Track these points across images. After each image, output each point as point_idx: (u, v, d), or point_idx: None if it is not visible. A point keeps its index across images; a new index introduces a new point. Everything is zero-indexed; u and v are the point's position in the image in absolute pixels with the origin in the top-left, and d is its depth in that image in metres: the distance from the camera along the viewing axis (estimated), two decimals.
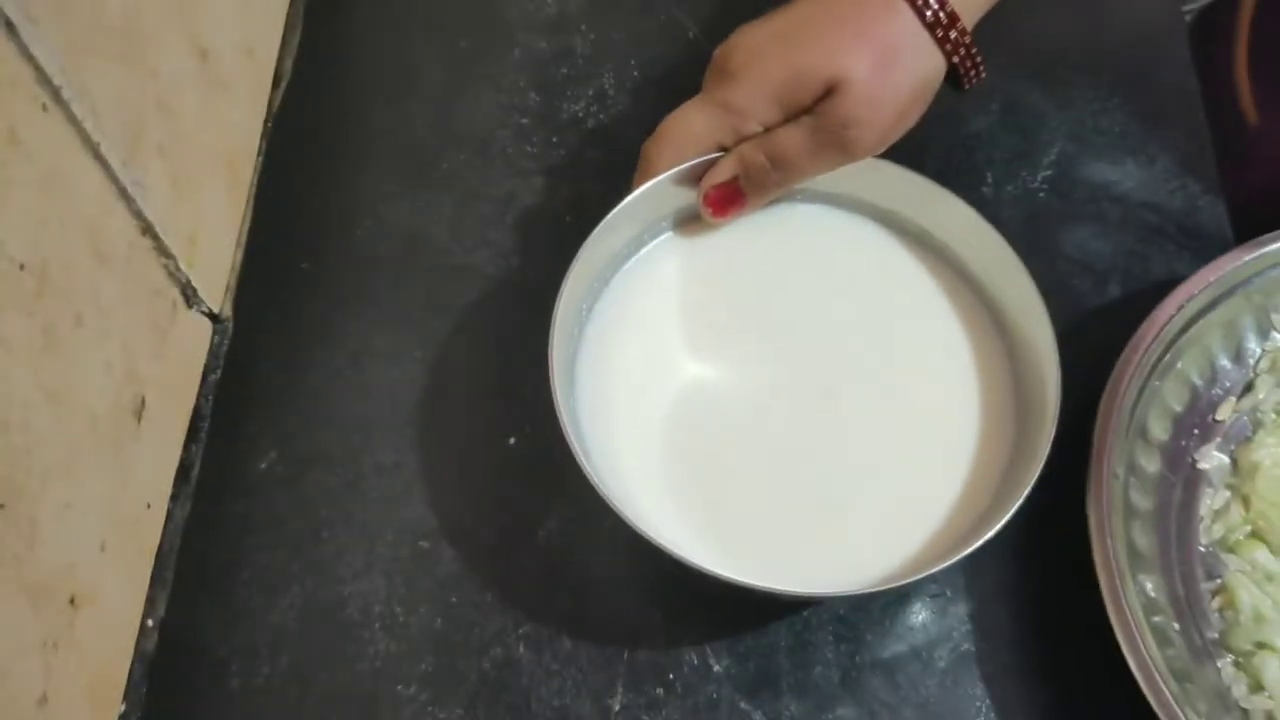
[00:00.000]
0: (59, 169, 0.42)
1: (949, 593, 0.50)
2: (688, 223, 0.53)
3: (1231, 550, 0.50)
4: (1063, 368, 0.46)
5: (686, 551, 0.44)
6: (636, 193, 0.50)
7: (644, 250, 0.53)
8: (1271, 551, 0.49)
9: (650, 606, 0.49)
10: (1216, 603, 0.49)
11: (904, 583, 0.43)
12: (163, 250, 0.50)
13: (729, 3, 0.65)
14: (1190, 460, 0.51)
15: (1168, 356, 0.51)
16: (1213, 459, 0.52)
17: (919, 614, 0.49)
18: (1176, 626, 0.47)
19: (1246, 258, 0.52)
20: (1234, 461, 0.52)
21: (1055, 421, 0.45)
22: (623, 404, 0.50)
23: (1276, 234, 0.52)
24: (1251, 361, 0.54)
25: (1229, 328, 0.53)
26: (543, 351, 0.47)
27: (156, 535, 0.50)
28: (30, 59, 0.40)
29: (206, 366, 0.54)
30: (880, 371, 0.50)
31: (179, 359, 0.52)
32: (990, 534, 0.43)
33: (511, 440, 0.53)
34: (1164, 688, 0.43)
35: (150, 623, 0.49)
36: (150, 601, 0.49)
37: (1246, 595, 0.47)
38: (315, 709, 0.47)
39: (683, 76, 0.63)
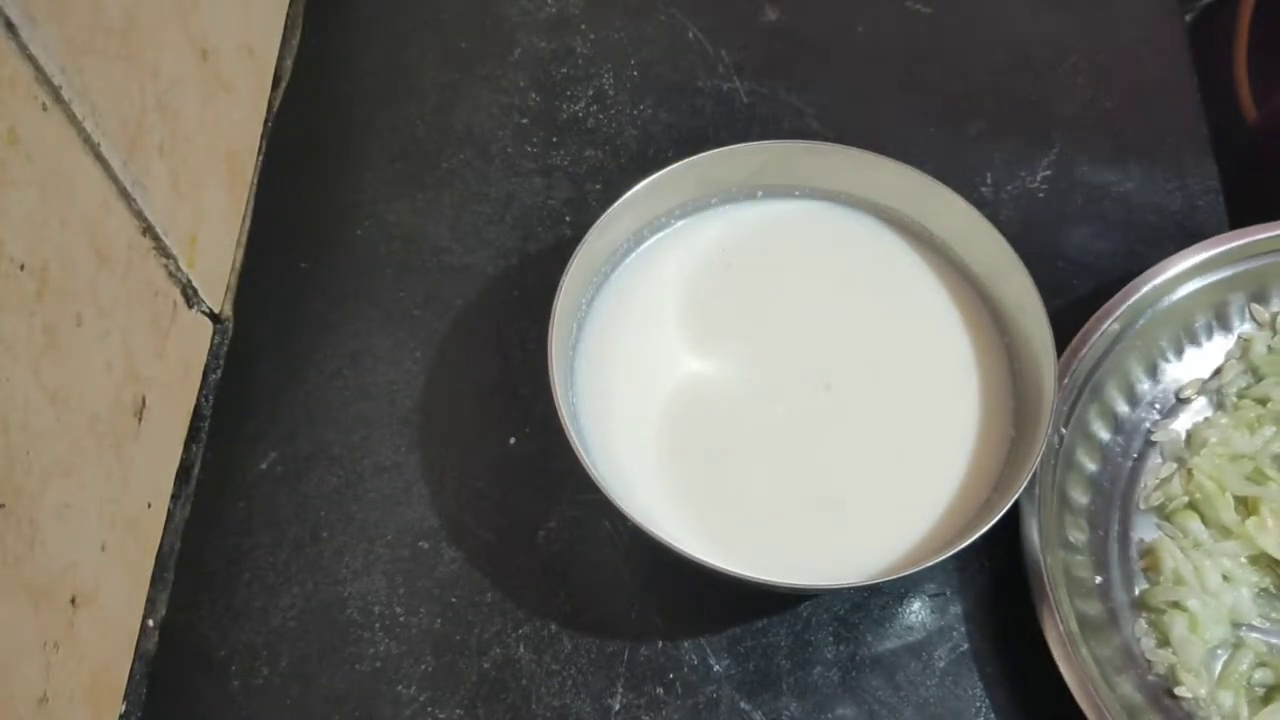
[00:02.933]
0: (59, 169, 0.42)
1: (948, 592, 0.50)
2: (686, 219, 0.54)
3: (1167, 518, 0.51)
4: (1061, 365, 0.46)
5: (686, 546, 0.44)
6: (634, 190, 0.50)
7: (642, 247, 0.53)
8: (1204, 523, 0.50)
9: (650, 606, 0.49)
10: (1142, 563, 0.50)
11: (902, 575, 0.43)
12: (163, 250, 0.50)
13: (729, 3, 0.65)
14: (1146, 431, 0.53)
15: (1140, 324, 0.52)
16: (1169, 434, 0.52)
17: (918, 613, 0.49)
18: (1098, 579, 0.49)
19: (1239, 242, 0.52)
20: (1188, 438, 0.52)
21: (1052, 418, 0.45)
22: (622, 400, 0.50)
23: (1273, 224, 0.53)
24: (1226, 345, 0.55)
25: (1209, 310, 0.54)
26: (543, 351, 0.47)
27: (157, 535, 0.50)
28: (30, 59, 0.40)
29: (207, 366, 0.54)
30: (879, 367, 0.50)
31: (179, 359, 0.52)
32: (987, 527, 0.43)
33: (511, 440, 0.53)
34: (1059, 624, 0.45)
35: (150, 623, 0.49)
36: (150, 601, 0.49)
37: (1170, 559, 0.49)
38: (315, 709, 0.47)
39: (683, 76, 0.63)
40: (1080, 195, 0.59)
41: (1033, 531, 0.47)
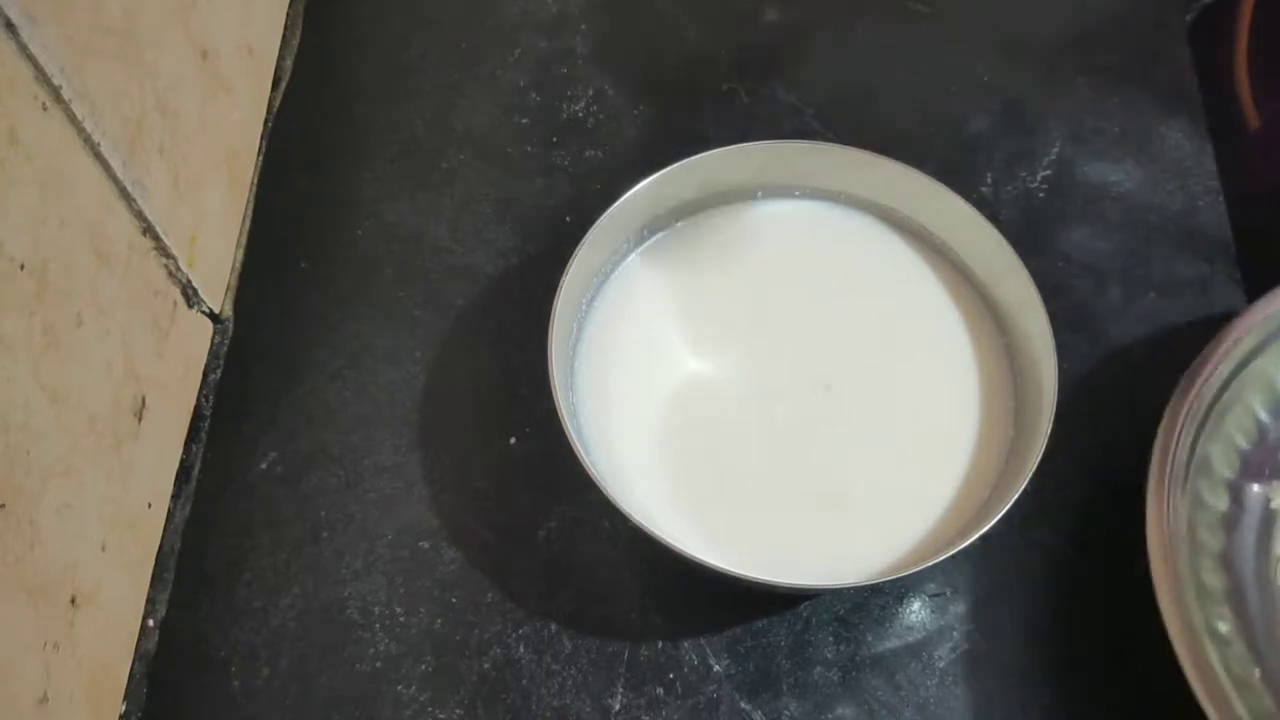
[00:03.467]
0: (59, 169, 0.42)
1: (949, 592, 0.50)
2: (686, 219, 0.54)
3: None
4: (1060, 365, 0.46)
5: (686, 546, 0.44)
6: (634, 190, 0.50)
7: (642, 247, 0.53)
8: None
9: (650, 606, 0.49)
10: None
11: (902, 575, 0.43)
12: (163, 250, 0.50)
13: (729, 3, 0.65)
14: (1264, 499, 0.49)
15: (1229, 391, 0.48)
16: None
17: (919, 614, 0.49)
18: (1257, 673, 0.44)
19: None
20: None
21: (1052, 418, 0.45)
22: (622, 400, 0.50)
23: None
24: None
25: None
26: (543, 351, 0.47)
27: (157, 535, 0.50)
28: (30, 59, 0.40)
29: (207, 366, 0.54)
30: (879, 367, 0.50)
31: (179, 359, 0.52)
32: (987, 527, 0.43)
33: (511, 440, 0.53)
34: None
35: (150, 623, 0.49)
36: (150, 601, 0.49)
37: None
38: (315, 709, 0.47)
39: (683, 76, 0.63)
40: (1080, 195, 0.59)
41: (1182, 625, 0.43)
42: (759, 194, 0.54)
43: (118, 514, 0.46)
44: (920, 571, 0.44)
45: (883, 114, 0.62)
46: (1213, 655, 0.43)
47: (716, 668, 0.48)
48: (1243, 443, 0.49)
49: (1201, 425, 0.48)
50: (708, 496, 0.48)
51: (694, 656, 0.48)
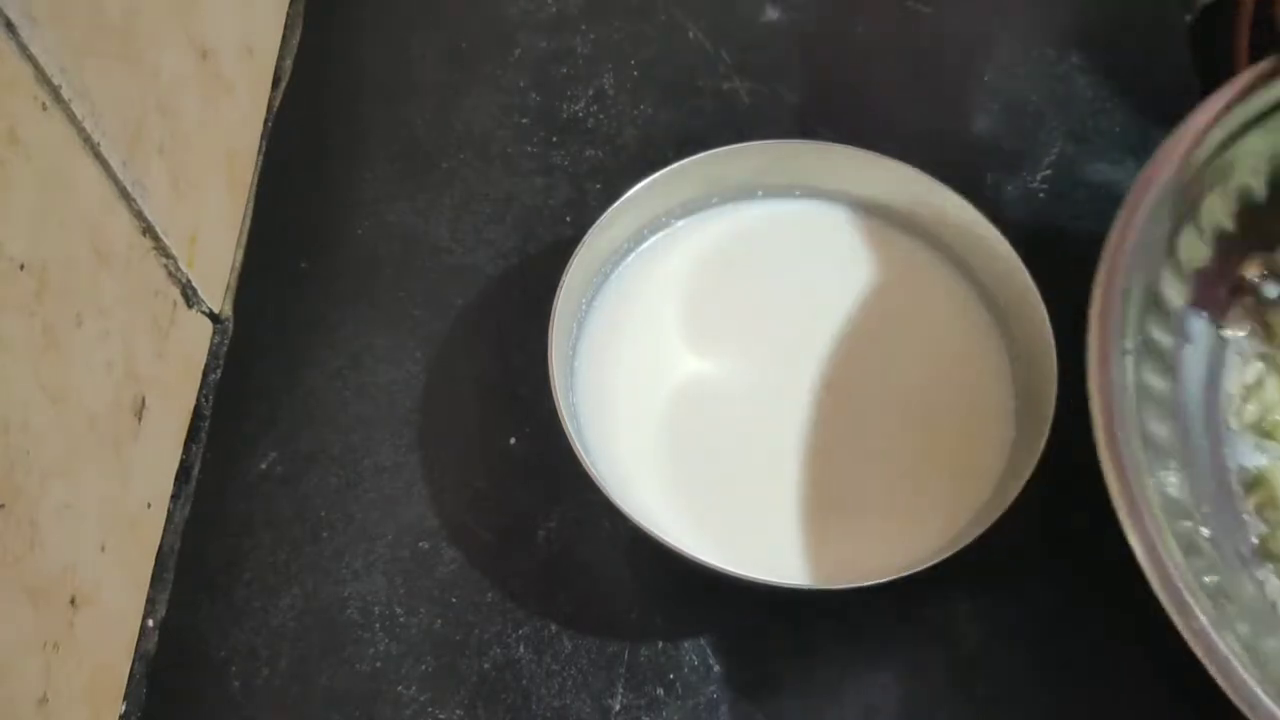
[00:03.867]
0: (59, 169, 0.42)
1: (950, 592, 0.50)
2: (687, 218, 0.54)
3: (1269, 434, 0.42)
4: (1061, 365, 0.46)
5: (686, 546, 0.44)
6: (634, 190, 0.50)
7: (643, 246, 0.53)
8: None
9: (650, 606, 0.49)
10: (1252, 501, 0.40)
11: (902, 575, 0.43)
12: (163, 250, 0.50)
13: (729, 3, 0.65)
14: (1215, 328, 0.43)
15: (1185, 200, 0.42)
16: (1244, 325, 0.43)
17: (919, 613, 0.49)
18: (1206, 533, 0.39)
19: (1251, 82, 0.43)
20: (1266, 326, 0.43)
21: (1051, 418, 0.45)
22: (622, 400, 0.50)
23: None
24: None
25: (1264, 160, 0.44)
26: (543, 351, 0.47)
27: (157, 535, 0.50)
28: (30, 58, 0.40)
29: (206, 366, 0.54)
30: (880, 366, 0.50)
31: (179, 359, 0.52)
32: (987, 527, 0.43)
33: (511, 440, 0.53)
34: (1196, 609, 0.35)
35: (150, 623, 0.49)
36: (150, 601, 0.49)
37: None
38: (315, 709, 0.47)
39: (683, 76, 0.63)
40: (1081, 195, 0.59)
41: (1125, 485, 0.37)
42: (759, 194, 0.54)
43: (118, 514, 0.46)
44: (920, 571, 0.44)
45: (883, 114, 0.62)
46: (1161, 520, 0.37)
47: (716, 668, 0.48)
48: (1194, 260, 0.43)
49: (1151, 244, 0.42)
50: (708, 496, 0.48)
51: (694, 656, 0.48)
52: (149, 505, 0.49)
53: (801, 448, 0.49)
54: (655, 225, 0.53)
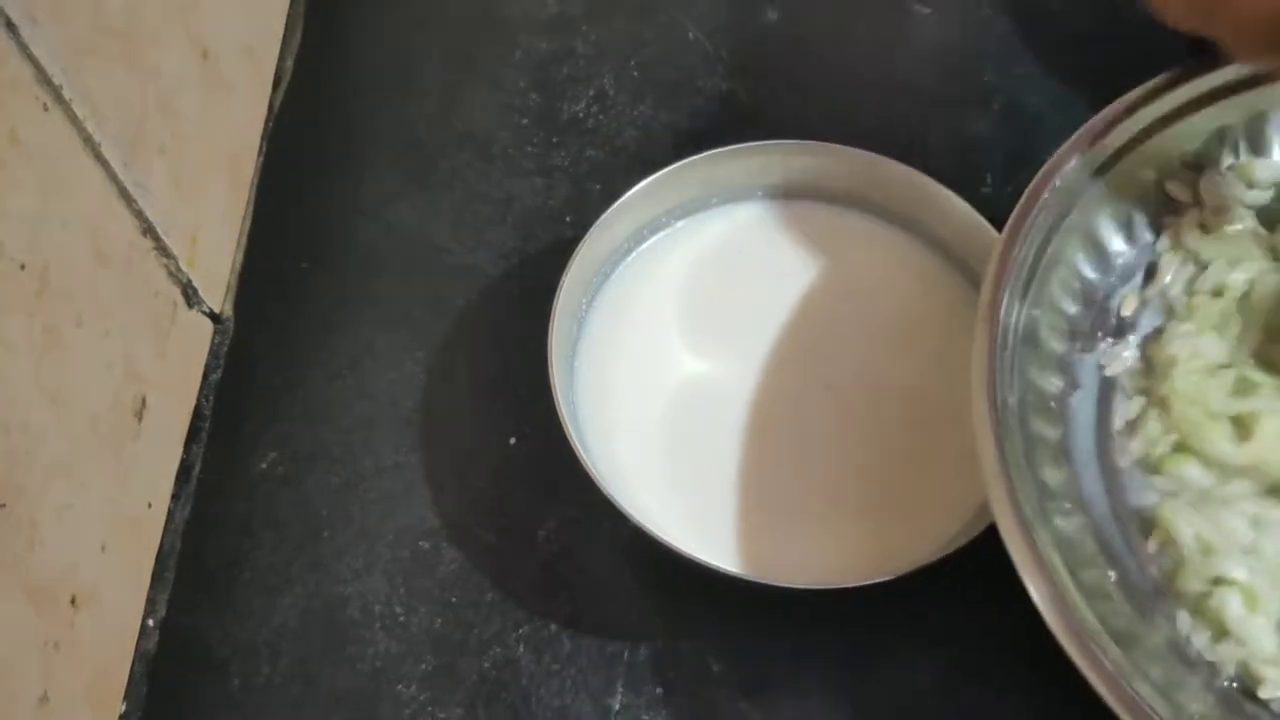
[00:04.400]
0: (60, 169, 0.42)
1: (949, 592, 0.50)
2: (686, 219, 0.54)
3: (1156, 470, 0.41)
4: None
5: (686, 546, 0.44)
6: (634, 190, 0.50)
7: (642, 247, 0.53)
8: (1203, 464, 0.40)
9: (650, 606, 0.49)
10: (1153, 542, 0.40)
11: (902, 574, 0.43)
12: (163, 250, 0.50)
13: (729, 3, 0.65)
14: (1097, 367, 0.43)
15: (1050, 249, 0.42)
16: (1124, 361, 0.43)
17: (919, 613, 0.49)
18: (1112, 576, 0.39)
19: (1123, 124, 0.44)
20: (1146, 360, 0.43)
21: None
22: (622, 400, 0.50)
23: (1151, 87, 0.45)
24: (1149, 240, 0.45)
25: (1115, 204, 0.45)
26: (543, 351, 0.47)
27: (157, 535, 0.50)
28: (31, 59, 0.40)
29: (207, 366, 0.54)
30: (879, 367, 0.50)
31: (180, 359, 0.52)
32: (987, 526, 0.43)
33: (511, 440, 0.53)
34: (1104, 658, 0.35)
35: (151, 623, 0.49)
36: (151, 601, 0.49)
37: (1186, 524, 0.39)
38: (315, 709, 0.47)
39: (683, 76, 0.63)
40: None
41: (1018, 535, 0.38)
42: (759, 194, 0.54)
43: (118, 514, 0.46)
44: (919, 571, 0.44)
45: (883, 114, 0.62)
46: (1060, 567, 0.37)
47: (716, 668, 0.48)
48: (1069, 306, 0.44)
49: (1024, 295, 0.42)
50: (708, 496, 0.48)
51: (693, 656, 0.48)
52: (149, 505, 0.49)
53: (801, 447, 0.49)
54: (655, 225, 0.53)
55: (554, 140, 0.61)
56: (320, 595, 0.50)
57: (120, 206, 0.47)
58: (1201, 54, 0.46)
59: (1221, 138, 0.47)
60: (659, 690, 0.47)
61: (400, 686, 0.48)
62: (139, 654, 0.48)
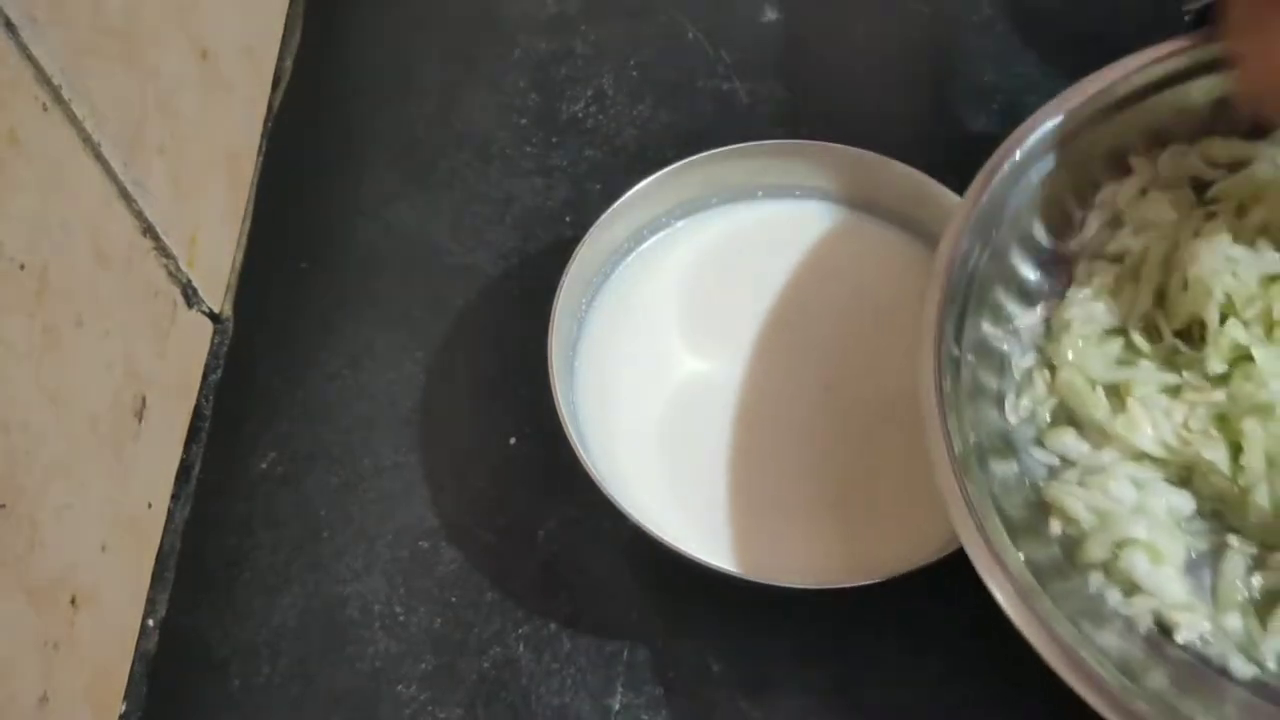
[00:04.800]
0: (59, 169, 0.42)
1: (950, 591, 0.50)
2: (686, 219, 0.54)
3: (1040, 443, 0.43)
4: None
5: (686, 546, 0.44)
6: (634, 190, 0.50)
7: (642, 247, 0.53)
8: (1079, 432, 0.42)
9: (650, 606, 0.49)
10: (1055, 522, 0.42)
11: (902, 574, 0.43)
12: (163, 250, 0.50)
13: (729, 3, 0.65)
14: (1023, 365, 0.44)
15: (1009, 211, 0.44)
16: (1031, 316, 0.45)
17: (918, 613, 0.49)
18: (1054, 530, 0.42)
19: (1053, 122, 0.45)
20: (1047, 323, 0.44)
21: None
22: (622, 400, 0.50)
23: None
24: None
25: (1077, 173, 0.46)
26: (543, 351, 0.47)
27: (157, 535, 0.50)
28: (30, 59, 0.40)
29: (207, 366, 0.54)
30: (879, 367, 0.50)
31: (179, 359, 0.52)
32: None
33: (511, 440, 0.53)
34: (1026, 605, 0.37)
35: (150, 623, 0.49)
36: (150, 601, 0.49)
37: (1077, 501, 0.41)
38: (315, 709, 0.47)
39: (683, 76, 0.63)
40: None
41: (952, 478, 0.39)
42: (759, 194, 0.54)
43: (118, 514, 0.46)
44: (919, 571, 0.44)
45: (883, 114, 0.62)
46: (992, 513, 0.40)
47: (716, 668, 0.48)
48: (1029, 272, 0.46)
49: (982, 252, 0.44)
50: (708, 496, 0.48)
51: (694, 656, 0.48)
52: (149, 505, 0.49)
53: (800, 447, 0.49)
54: (655, 225, 0.53)
55: (553, 140, 0.61)
56: (320, 595, 0.50)
57: (120, 206, 0.47)
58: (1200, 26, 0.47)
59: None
60: (659, 690, 0.47)
61: (400, 686, 0.48)
62: (139, 654, 0.48)
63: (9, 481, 0.39)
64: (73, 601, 0.43)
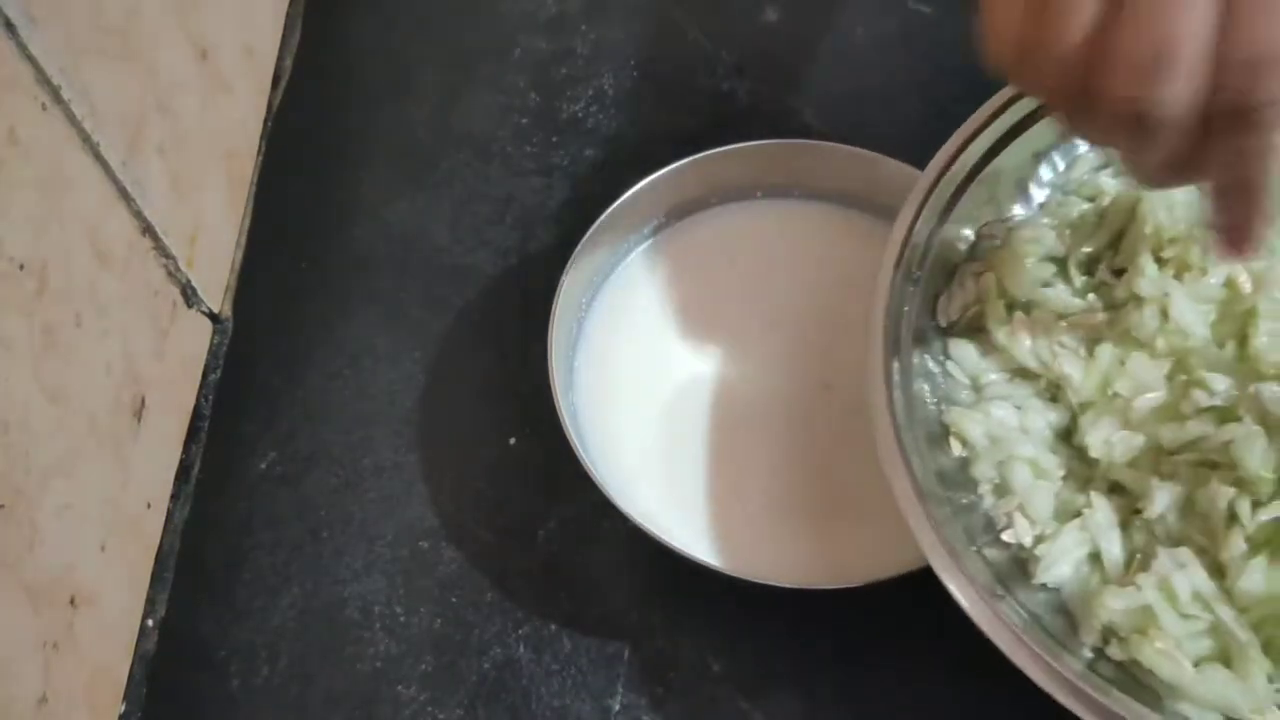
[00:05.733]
0: (58, 169, 0.42)
1: (949, 591, 0.49)
2: (687, 218, 0.54)
3: (976, 332, 0.45)
4: None
5: (686, 546, 0.44)
6: (634, 190, 0.50)
7: (642, 247, 0.53)
8: (979, 345, 0.44)
9: (650, 606, 0.49)
10: (955, 443, 0.44)
11: (902, 574, 0.43)
12: (162, 250, 0.50)
13: (729, 3, 0.65)
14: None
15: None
16: (994, 229, 0.46)
17: (919, 613, 0.49)
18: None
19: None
20: (1001, 237, 0.46)
21: None
22: (622, 400, 0.50)
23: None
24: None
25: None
26: (543, 351, 0.47)
27: (156, 535, 0.50)
28: (30, 58, 0.40)
29: (206, 366, 0.54)
30: None
31: (179, 359, 0.52)
32: None
33: (511, 440, 0.53)
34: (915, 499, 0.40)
35: (150, 623, 0.49)
36: (150, 601, 0.49)
37: (973, 425, 0.43)
38: (315, 709, 0.47)
39: (683, 76, 0.63)
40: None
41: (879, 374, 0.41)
42: (759, 194, 0.54)
43: (117, 514, 0.46)
44: (920, 571, 0.44)
45: (883, 114, 0.62)
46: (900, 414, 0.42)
47: (716, 668, 0.48)
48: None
49: (942, 217, 0.45)
50: (708, 496, 0.48)
51: (694, 656, 0.48)
52: (149, 505, 0.49)
53: (800, 447, 0.49)
54: (655, 225, 0.53)
55: (553, 140, 0.61)
56: (319, 595, 0.50)
57: (119, 206, 0.47)
58: None
59: None
60: (659, 690, 0.47)
61: (400, 687, 0.48)
62: (138, 654, 0.48)
63: (8, 481, 0.39)
64: (72, 602, 0.43)
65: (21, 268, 0.40)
